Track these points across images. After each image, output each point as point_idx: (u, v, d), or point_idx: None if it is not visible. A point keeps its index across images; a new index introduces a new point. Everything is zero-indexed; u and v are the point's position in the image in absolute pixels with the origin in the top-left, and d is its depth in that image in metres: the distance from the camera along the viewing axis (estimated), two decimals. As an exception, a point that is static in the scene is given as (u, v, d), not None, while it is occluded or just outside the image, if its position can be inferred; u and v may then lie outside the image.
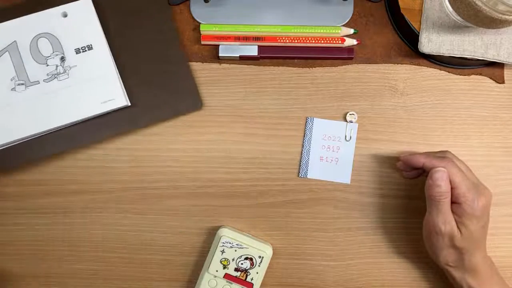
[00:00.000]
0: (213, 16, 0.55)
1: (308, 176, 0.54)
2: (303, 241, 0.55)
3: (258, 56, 0.55)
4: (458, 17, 0.51)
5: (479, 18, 0.46)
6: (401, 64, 0.55)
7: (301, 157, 0.55)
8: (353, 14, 0.56)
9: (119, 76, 0.53)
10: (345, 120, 0.55)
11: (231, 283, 0.51)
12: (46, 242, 0.55)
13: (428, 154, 0.49)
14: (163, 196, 0.55)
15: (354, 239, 0.55)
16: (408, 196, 0.55)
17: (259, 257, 0.51)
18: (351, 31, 0.55)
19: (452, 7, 0.50)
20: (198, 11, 0.56)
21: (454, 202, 0.46)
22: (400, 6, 0.53)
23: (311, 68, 0.56)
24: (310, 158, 0.54)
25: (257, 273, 0.51)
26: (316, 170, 0.54)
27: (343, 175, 0.54)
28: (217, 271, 0.51)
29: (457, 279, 0.48)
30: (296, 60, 0.56)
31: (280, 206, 0.55)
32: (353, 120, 0.54)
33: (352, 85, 0.55)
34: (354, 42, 0.55)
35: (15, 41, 0.52)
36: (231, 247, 0.51)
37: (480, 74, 0.55)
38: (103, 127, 0.53)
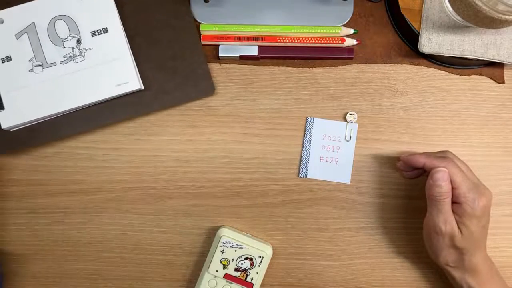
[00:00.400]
0: (213, 16, 0.55)
1: (308, 176, 0.54)
2: (303, 241, 0.55)
3: (258, 56, 0.55)
4: (458, 17, 0.51)
5: (479, 18, 0.46)
6: (401, 64, 0.55)
7: (301, 157, 0.55)
8: (353, 14, 0.56)
9: (133, 59, 0.53)
10: (345, 120, 0.55)
11: (231, 283, 0.51)
12: (46, 242, 0.55)
13: (428, 154, 0.49)
14: (163, 196, 0.55)
15: (354, 239, 0.55)
16: (408, 196, 0.55)
17: (259, 257, 0.51)
18: (351, 31, 0.55)
19: (452, 7, 0.50)
20: (198, 11, 0.56)
21: (454, 202, 0.46)
22: (400, 6, 0.53)
23: (311, 68, 0.56)
24: (310, 158, 0.54)
25: (257, 273, 0.51)
26: (316, 170, 0.54)
27: (343, 175, 0.54)
28: (217, 271, 0.51)
29: (457, 279, 0.48)
30: (296, 60, 0.56)
31: (280, 206, 0.55)
32: (353, 120, 0.54)
33: (352, 85, 0.55)
34: (354, 42, 0.55)
35: (33, 22, 0.52)
36: (231, 247, 0.51)
37: (480, 74, 0.55)
38: (117, 110, 0.54)
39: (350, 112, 0.54)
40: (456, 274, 0.48)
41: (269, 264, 0.53)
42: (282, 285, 0.55)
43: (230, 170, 0.55)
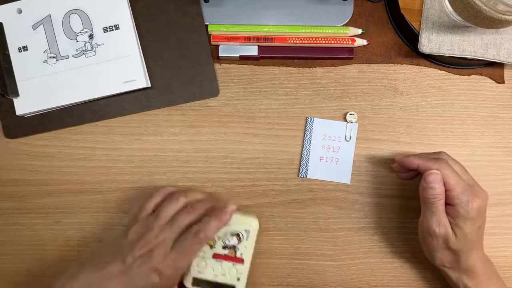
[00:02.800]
0: (213, 16, 0.55)
1: (308, 176, 0.54)
2: (303, 241, 0.55)
3: (258, 56, 0.55)
4: (458, 17, 0.51)
5: (479, 18, 0.46)
6: (401, 64, 0.56)
7: (301, 157, 0.55)
8: (353, 14, 0.56)
9: (142, 57, 0.54)
10: (345, 120, 0.55)
11: (221, 262, 0.51)
12: (46, 242, 0.55)
13: (423, 155, 0.49)
14: (163, 196, 0.55)
15: (354, 239, 0.55)
16: (408, 196, 0.55)
17: (246, 231, 0.51)
18: (359, 31, 0.55)
19: (452, 7, 0.50)
20: (198, 11, 0.56)
21: (448, 204, 0.46)
22: (400, 6, 0.53)
23: (311, 68, 0.56)
24: (310, 158, 0.54)
25: (245, 247, 0.51)
26: (316, 170, 0.54)
27: (343, 175, 0.54)
28: (204, 252, 0.51)
29: (454, 279, 0.48)
30: (296, 60, 0.56)
31: (280, 206, 0.55)
32: (353, 120, 0.54)
33: (352, 85, 0.55)
34: (364, 42, 0.55)
35: (49, 14, 0.54)
36: None
37: (480, 74, 0.55)
38: (123, 105, 0.55)
39: (350, 112, 0.54)
40: (453, 274, 0.48)
41: (269, 264, 0.53)
42: (282, 285, 0.55)
43: (230, 170, 0.55)
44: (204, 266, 0.51)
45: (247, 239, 0.51)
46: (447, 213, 0.46)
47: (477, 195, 0.45)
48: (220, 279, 0.50)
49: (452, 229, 0.45)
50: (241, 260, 0.51)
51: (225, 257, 0.51)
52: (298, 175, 0.55)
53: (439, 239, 0.46)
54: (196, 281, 0.51)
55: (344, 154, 0.55)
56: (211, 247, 0.51)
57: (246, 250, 0.51)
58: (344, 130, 0.55)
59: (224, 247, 0.51)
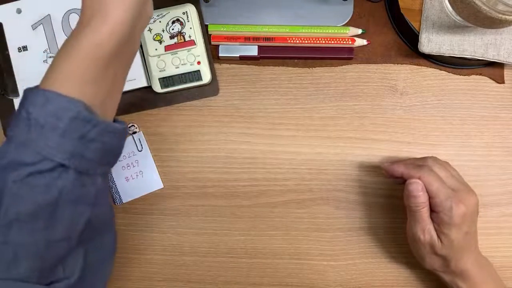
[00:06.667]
0: (213, 16, 0.55)
1: (124, 201, 0.54)
2: (303, 241, 0.55)
3: (258, 56, 0.55)
4: (458, 17, 0.51)
5: (479, 18, 0.46)
6: (401, 64, 0.55)
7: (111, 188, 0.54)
8: (353, 14, 0.56)
9: (143, 57, 0.54)
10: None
11: (175, 53, 0.51)
12: (46, 242, 0.55)
13: (408, 162, 0.48)
14: (163, 196, 0.55)
15: (354, 239, 0.55)
16: (408, 196, 0.55)
17: (184, 13, 0.51)
18: (359, 31, 0.55)
19: (452, 7, 0.50)
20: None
21: (433, 211, 0.46)
22: (400, 6, 0.53)
23: (311, 68, 0.56)
24: (117, 184, 0.54)
25: (191, 28, 0.51)
26: (129, 191, 0.54)
27: (154, 183, 0.54)
28: (156, 49, 0.51)
29: (448, 282, 0.48)
30: (296, 60, 0.56)
31: (279, 206, 0.55)
32: (136, 130, 0.54)
33: (352, 85, 0.55)
34: (364, 42, 0.55)
35: (49, 14, 0.54)
36: (154, 21, 0.51)
37: (480, 74, 0.55)
38: (122, 105, 0.54)
39: (129, 125, 0.54)
40: (446, 277, 0.48)
41: (269, 264, 0.53)
42: (282, 285, 0.55)
43: (230, 170, 0.55)
44: (163, 64, 0.51)
45: (189, 21, 0.51)
46: (432, 220, 0.46)
47: (461, 201, 0.44)
48: (183, 69, 0.51)
49: (437, 235, 0.45)
50: (192, 42, 0.51)
51: (177, 46, 0.51)
52: (115, 203, 0.54)
53: (426, 245, 0.46)
54: (163, 82, 0.51)
55: (145, 165, 0.54)
56: (160, 41, 0.51)
57: (192, 30, 0.51)
58: (134, 143, 0.54)
59: (172, 37, 0.51)
